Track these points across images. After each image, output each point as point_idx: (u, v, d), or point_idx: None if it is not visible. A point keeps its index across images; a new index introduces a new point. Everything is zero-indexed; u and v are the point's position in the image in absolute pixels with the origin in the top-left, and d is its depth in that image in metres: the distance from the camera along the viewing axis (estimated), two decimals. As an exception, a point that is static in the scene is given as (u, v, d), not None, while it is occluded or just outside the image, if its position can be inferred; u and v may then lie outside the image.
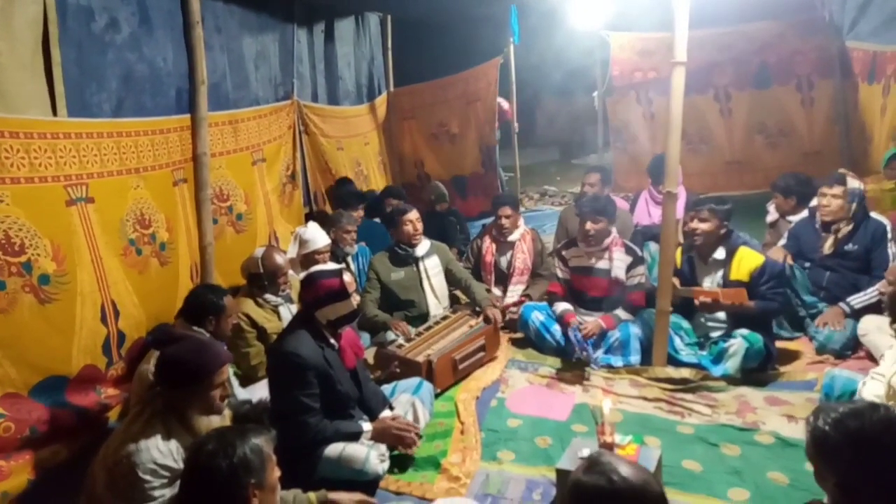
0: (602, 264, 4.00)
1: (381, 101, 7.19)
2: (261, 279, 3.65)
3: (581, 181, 5.48)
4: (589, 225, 3.95)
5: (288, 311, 3.71)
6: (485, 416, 3.39)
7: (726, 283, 3.63)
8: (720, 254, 3.68)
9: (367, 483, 2.76)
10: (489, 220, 4.96)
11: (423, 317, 4.22)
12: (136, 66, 3.49)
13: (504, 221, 4.64)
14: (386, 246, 4.53)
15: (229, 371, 2.40)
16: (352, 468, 2.75)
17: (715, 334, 3.73)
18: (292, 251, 4.19)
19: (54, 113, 2.95)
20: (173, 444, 2.16)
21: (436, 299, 4.31)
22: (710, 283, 3.71)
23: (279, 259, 3.69)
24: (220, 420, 2.38)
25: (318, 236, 4.17)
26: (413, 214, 4.29)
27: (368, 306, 4.18)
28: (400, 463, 2.96)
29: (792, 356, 3.76)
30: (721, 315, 3.71)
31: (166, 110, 3.69)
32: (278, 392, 2.84)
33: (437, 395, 3.49)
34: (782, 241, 4.35)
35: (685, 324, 3.83)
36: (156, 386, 2.33)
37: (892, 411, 1.56)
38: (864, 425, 1.53)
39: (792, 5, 6.38)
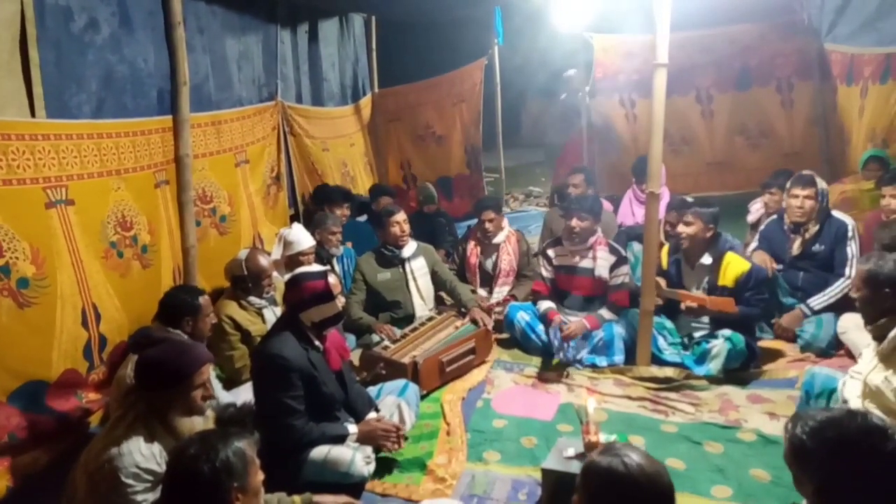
0: (586, 263, 4.03)
1: (365, 102, 7.17)
2: (245, 281, 3.62)
3: (557, 181, 5.52)
4: (575, 222, 3.98)
5: (272, 314, 3.68)
6: (470, 416, 3.39)
7: (713, 288, 3.67)
8: (707, 259, 3.71)
9: (352, 485, 2.75)
10: (475, 222, 4.96)
11: (408, 318, 4.21)
12: (116, 67, 3.46)
13: (488, 225, 4.65)
14: (371, 246, 4.52)
15: (211, 372, 2.38)
16: (337, 470, 2.74)
17: (698, 334, 3.76)
18: (277, 253, 4.16)
19: (32, 114, 2.91)
20: (156, 448, 2.14)
21: (422, 301, 4.31)
22: (697, 287, 3.74)
23: (263, 261, 3.66)
24: (203, 422, 2.35)
25: (302, 238, 4.15)
26: (400, 216, 4.29)
27: (354, 308, 4.17)
28: (386, 465, 2.96)
29: (774, 354, 3.81)
30: (704, 317, 3.75)
31: (148, 111, 3.66)
32: (263, 394, 2.83)
33: (422, 397, 3.49)
34: (754, 244, 4.40)
35: (669, 323, 3.86)
36: (135, 390, 2.31)
37: (868, 419, 1.56)
38: (841, 434, 1.53)
39: (771, 8, 6.46)
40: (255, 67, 5.00)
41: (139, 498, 2.07)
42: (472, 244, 4.80)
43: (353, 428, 2.86)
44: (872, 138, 5.18)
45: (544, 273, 4.22)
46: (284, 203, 5.49)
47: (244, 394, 3.15)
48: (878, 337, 2.46)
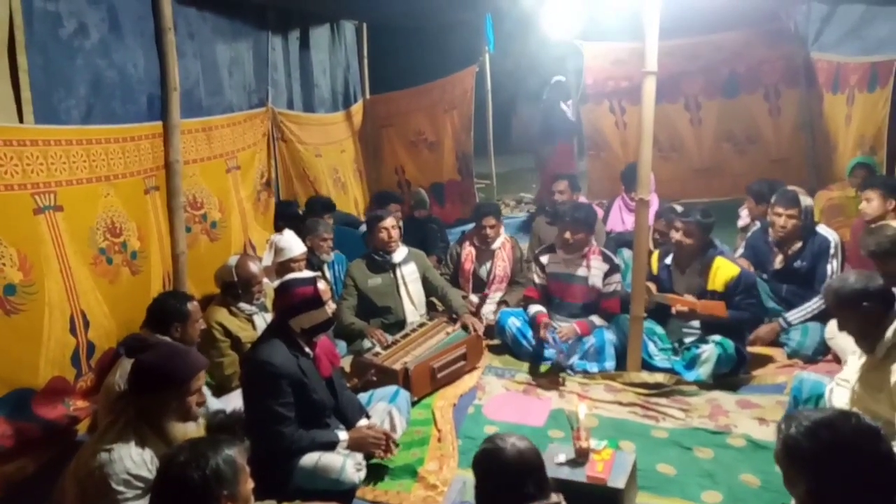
0: (580, 272, 4.04)
1: (357, 108, 7.18)
2: (235, 288, 3.61)
3: (542, 188, 5.53)
4: (568, 234, 3.99)
5: (262, 320, 3.67)
6: (462, 423, 3.39)
7: (703, 293, 3.69)
8: (697, 264, 3.74)
9: (343, 492, 2.74)
10: (467, 227, 4.97)
11: (399, 324, 4.20)
12: (105, 73, 3.44)
13: (488, 231, 4.66)
14: (358, 253, 4.52)
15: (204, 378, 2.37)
16: (328, 478, 2.72)
17: (689, 339, 3.78)
18: (267, 259, 4.15)
19: (20, 120, 2.89)
20: (147, 454, 2.12)
21: (413, 306, 4.30)
22: (688, 292, 3.76)
23: (253, 267, 3.65)
24: (196, 428, 2.35)
25: (293, 244, 4.14)
26: (388, 222, 4.28)
27: (345, 314, 4.16)
28: (377, 472, 2.95)
29: (763, 360, 3.83)
30: (695, 322, 3.77)
31: (137, 117, 3.64)
32: (252, 401, 2.81)
33: (414, 403, 3.48)
34: (739, 251, 4.43)
35: (659, 329, 3.88)
36: (125, 396, 2.29)
37: (863, 420, 1.58)
38: (836, 435, 1.54)
39: (759, 16, 6.53)
40: (245, 73, 5.00)
41: (129, 505, 2.06)
42: (467, 249, 4.79)
43: (343, 435, 2.85)
44: (861, 145, 5.24)
45: (536, 279, 4.23)
46: (274, 209, 5.47)
47: (234, 401, 3.13)
48: (868, 350, 2.48)
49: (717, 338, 3.60)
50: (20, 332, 2.81)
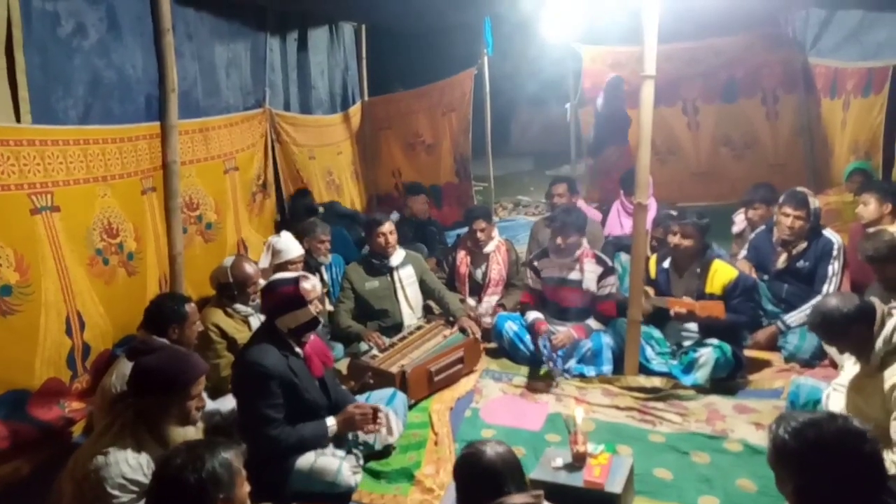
0: (574, 275, 4.04)
1: (355, 110, 7.17)
2: (230, 289, 3.60)
3: (547, 192, 5.53)
4: (559, 240, 4.00)
5: (258, 321, 3.65)
6: (459, 426, 3.38)
7: (701, 295, 3.69)
8: (695, 267, 3.74)
9: (339, 495, 2.73)
10: (464, 230, 4.96)
11: (397, 327, 4.20)
12: (104, 73, 3.43)
13: (479, 234, 4.65)
14: (351, 254, 4.51)
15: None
16: (324, 481, 2.72)
17: (686, 343, 3.78)
18: (265, 261, 4.13)
19: (18, 119, 2.88)
20: (143, 458, 2.12)
21: (410, 309, 4.30)
22: (686, 295, 3.77)
23: (249, 268, 3.64)
24: (196, 433, 2.34)
25: (291, 246, 4.13)
26: (387, 227, 4.27)
27: (342, 316, 4.15)
28: (374, 475, 2.94)
29: (760, 364, 3.83)
30: (692, 325, 3.77)
31: (135, 117, 3.63)
32: (243, 403, 2.81)
33: (411, 406, 3.47)
34: (743, 253, 4.44)
35: (656, 333, 3.88)
36: (122, 398, 2.29)
37: (848, 421, 1.63)
38: (821, 434, 1.59)
39: (757, 21, 6.56)
40: (243, 74, 4.99)
41: (124, 509, 2.05)
42: (462, 253, 4.79)
43: (330, 421, 2.84)
44: (855, 150, 5.26)
45: (532, 284, 4.23)
46: (272, 210, 5.47)
47: (230, 402, 3.12)
48: (863, 361, 2.48)
49: (715, 341, 3.60)
50: (16, 333, 2.80)
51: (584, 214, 4.31)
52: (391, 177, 7.55)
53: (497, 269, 4.70)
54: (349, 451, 2.95)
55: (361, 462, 2.95)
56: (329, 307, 4.40)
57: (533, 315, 4.07)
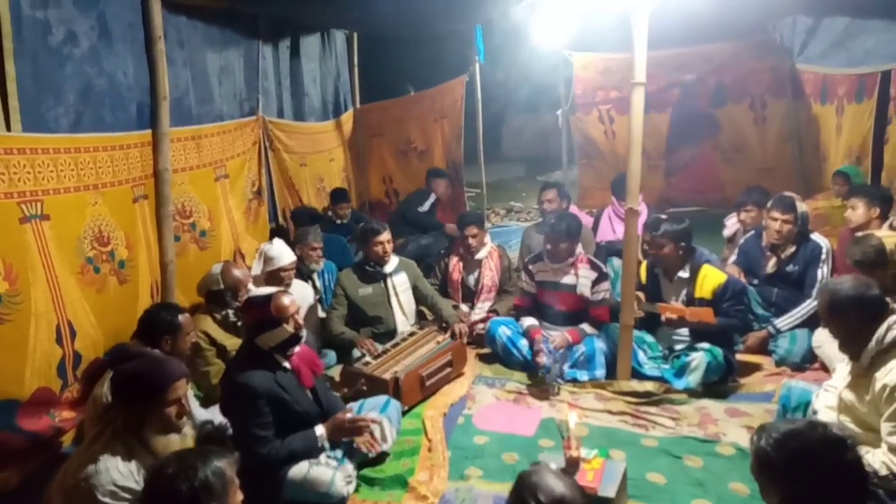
0: (568, 280, 4.06)
1: (347, 117, 7.18)
2: (222, 295, 3.59)
3: (538, 198, 5.55)
4: (551, 246, 4.01)
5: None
6: (452, 433, 3.37)
7: (691, 300, 3.72)
8: (685, 272, 3.76)
9: (333, 505, 2.72)
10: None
11: (390, 333, 4.19)
12: (95, 81, 3.42)
13: (471, 241, 4.66)
14: (345, 259, 4.51)
15: (188, 388, 2.34)
16: (317, 491, 2.70)
17: (678, 347, 3.80)
18: (257, 268, 4.12)
19: (8, 128, 2.87)
20: (134, 465, 2.09)
21: (403, 316, 4.30)
22: (676, 300, 3.79)
23: (238, 273, 3.65)
24: (182, 440, 2.31)
25: (283, 253, 4.12)
26: (384, 236, 4.26)
27: (335, 323, 4.14)
28: (367, 482, 2.93)
29: (751, 368, 3.85)
30: (684, 329, 3.79)
31: (127, 125, 3.62)
32: (233, 422, 2.75)
33: (404, 413, 3.47)
34: (733, 258, 4.46)
35: (649, 338, 3.90)
36: (112, 407, 2.27)
37: (829, 430, 1.64)
38: (803, 445, 1.60)
39: (746, 27, 6.63)
40: (236, 82, 4.99)
41: (115, 518, 2.03)
42: (454, 260, 4.80)
43: (319, 430, 2.83)
44: (849, 155, 5.31)
45: (525, 288, 4.23)
46: (265, 218, 5.46)
47: (222, 411, 3.11)
48: (853, 357, 2.50)
49: (707, 345, 3.62)
50: (5, 343, 2.77)
51: (579, 220, 4.33)
52: (382, 183, 7.57)
53: (490, 275, 4.71)
54: (346, 455, 2.93)
55: (355, 474, 2.93)
56: (321, 314, 4.40)
57: (528, 322, 4.07)
